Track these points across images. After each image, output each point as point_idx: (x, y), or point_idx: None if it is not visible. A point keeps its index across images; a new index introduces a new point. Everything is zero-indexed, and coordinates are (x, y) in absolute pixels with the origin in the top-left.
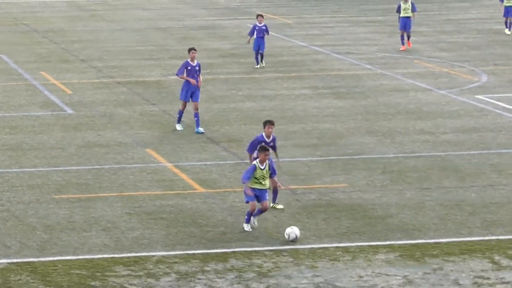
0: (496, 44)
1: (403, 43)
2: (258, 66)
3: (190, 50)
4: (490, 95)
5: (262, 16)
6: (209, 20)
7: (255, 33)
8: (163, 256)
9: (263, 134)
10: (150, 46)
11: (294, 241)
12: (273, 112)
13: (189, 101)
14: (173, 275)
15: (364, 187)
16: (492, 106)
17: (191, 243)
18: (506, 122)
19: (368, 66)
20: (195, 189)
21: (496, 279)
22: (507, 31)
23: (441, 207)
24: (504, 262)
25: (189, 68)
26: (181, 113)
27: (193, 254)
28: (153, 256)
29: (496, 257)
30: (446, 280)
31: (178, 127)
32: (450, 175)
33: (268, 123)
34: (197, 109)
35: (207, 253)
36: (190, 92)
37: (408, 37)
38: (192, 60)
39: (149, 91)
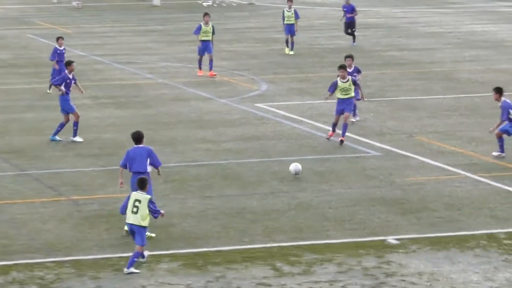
0: (275, 53)
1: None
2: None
3: None
4: (270, 103)
5: (62, 38)
6: None
7: (57, 56)
8: None
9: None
10: None
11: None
12: (54, 122)
13: None
14: None
15: None
16: (272, 114)
17: None
18: (286, 130)
19: (149, 76)
20: None
21: (278, 285)
22: (287, 50)
23: (224, 215)
24: (286, 268)
25: None
26: None
27: None
28: None
29: (278, 264)
30: None
31: None
32: (232, 183)
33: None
34: None
35: None
36: None
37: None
38: None
39: None
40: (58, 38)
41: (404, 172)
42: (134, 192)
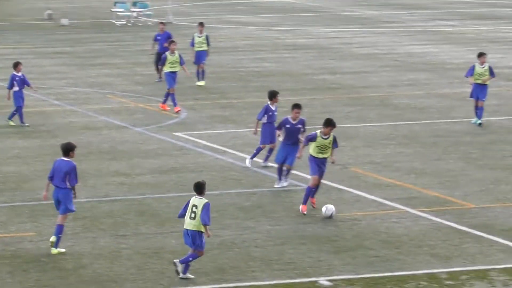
0: (195, 77)
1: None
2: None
3: None
4: (190, 132)
5: (20, 63)
6: None
7: (16, 84)
8: None
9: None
10: None
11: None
12: None
13: None
14: None
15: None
16: (192, 144)
17: None
18: (208, 161)
19: (57, 102)
20: None
21: None
22: (199, 82)
23: (139, 256)
24: None
25: None
26: None
27: None
28: None
29: None
30: None
31: None
32: (148, 220)
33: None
34: None
35: None
36: None
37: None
38: None
39: None
40: (15, 65)
41: (338, 207)
42: (193, 197)
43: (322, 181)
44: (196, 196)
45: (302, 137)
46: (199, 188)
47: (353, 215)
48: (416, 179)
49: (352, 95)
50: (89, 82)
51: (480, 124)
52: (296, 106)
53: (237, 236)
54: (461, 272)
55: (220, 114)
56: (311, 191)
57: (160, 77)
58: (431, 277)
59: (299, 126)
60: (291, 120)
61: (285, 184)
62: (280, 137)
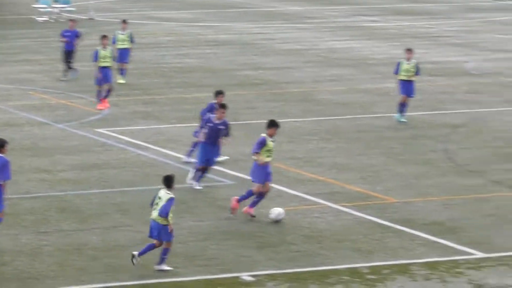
0: (118, 73)
1: (101, 97)
2: None
3: None
4: (112, 128)
5: None
6: None
7: None
8: None
9: None
10: None
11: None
12: None
13: None
14: None
15: None
16: (114, 140)
17: None
18: (130, 157)
19: None
20: None
21: None
22: (120, 80)
23: (60, 252)
24: None
25: None
26: None
27: None
28: None
29: None
30: None
31: None
32: (69, 217)
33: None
34: None
35: None
36: None
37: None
38: None
39: None
40: None
41: (260, 202)
42: (161, 190)
43: (245, 176)
44: (165, 189)
45: (223, 139)
46: (168, 182)
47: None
48: (339, 174)
49: (275, 91)
50: (10, 78)
51: (403, 121)
52: (223, 106)
53: None
54: (383, 267)
55: (143, 110)
56: (249, 193)
57: (66, 75)
58: (353, 271)
59: (222, 126)
60: (214, 120)
61: (198, 187)
62: (201, 136)
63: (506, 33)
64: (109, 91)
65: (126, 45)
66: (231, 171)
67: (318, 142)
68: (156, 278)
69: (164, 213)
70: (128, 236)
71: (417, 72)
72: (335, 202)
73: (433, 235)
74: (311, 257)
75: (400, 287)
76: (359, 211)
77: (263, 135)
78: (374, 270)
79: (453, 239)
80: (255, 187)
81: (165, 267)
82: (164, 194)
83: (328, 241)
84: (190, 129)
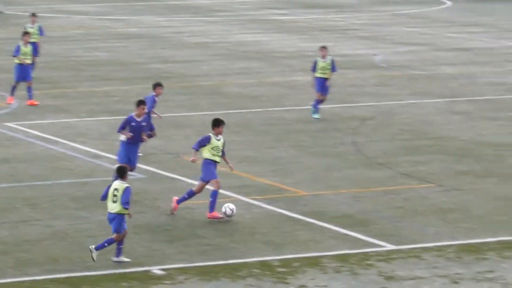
0: None
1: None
2: None
3: None
4: (21, 122)
5: None
6: None
7: None
8: None
9: None
10: None
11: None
12: None
13: None
14: None
15: None
16: (23, 134)
17: None
18: (39, 151)
19: None
20: None
21: None
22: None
23: None
24: None
25: None
26: None
27: None
28: None
29: None
30: None
31: None
32: None
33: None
34: None
35: None
36: None
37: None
38: None
39: None
40: None
41: (170, 195)
42: (115, 181)
43: (155, 170)
44: (119, 180)
45: (144, 136)
46: (121, 172)
47: (186, 203)
48: (249, 167)
49: (183, 84)
50: None
51: (317, 117)
52: (141, 103)
53: (70, 226)
54: (294, 259)
55: (52, 104)
56: (191, 189)
57: None
58: (264, 264)
59: (144, 123)
60: (135, 118)
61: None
62: (123, 136)
63: (414, 26)
64: (30, 88)
65: (35, 39)
66: (142, 164)
67: (227, 135)
68: (67, 272)
69: (126, 203)
70: (37, 230)
71: (333, 68)
72: (246, 195)
73: (343, 227)
74: (222, 250)
75: (310, 279)
76: (269, 204)
77: (210, 134)
78: (285, 263)
79: (363, 232)
80: (213, 184)
81: (124, 258)
82: (120, 185)
83: (239, 234)
84: (99, 122)
